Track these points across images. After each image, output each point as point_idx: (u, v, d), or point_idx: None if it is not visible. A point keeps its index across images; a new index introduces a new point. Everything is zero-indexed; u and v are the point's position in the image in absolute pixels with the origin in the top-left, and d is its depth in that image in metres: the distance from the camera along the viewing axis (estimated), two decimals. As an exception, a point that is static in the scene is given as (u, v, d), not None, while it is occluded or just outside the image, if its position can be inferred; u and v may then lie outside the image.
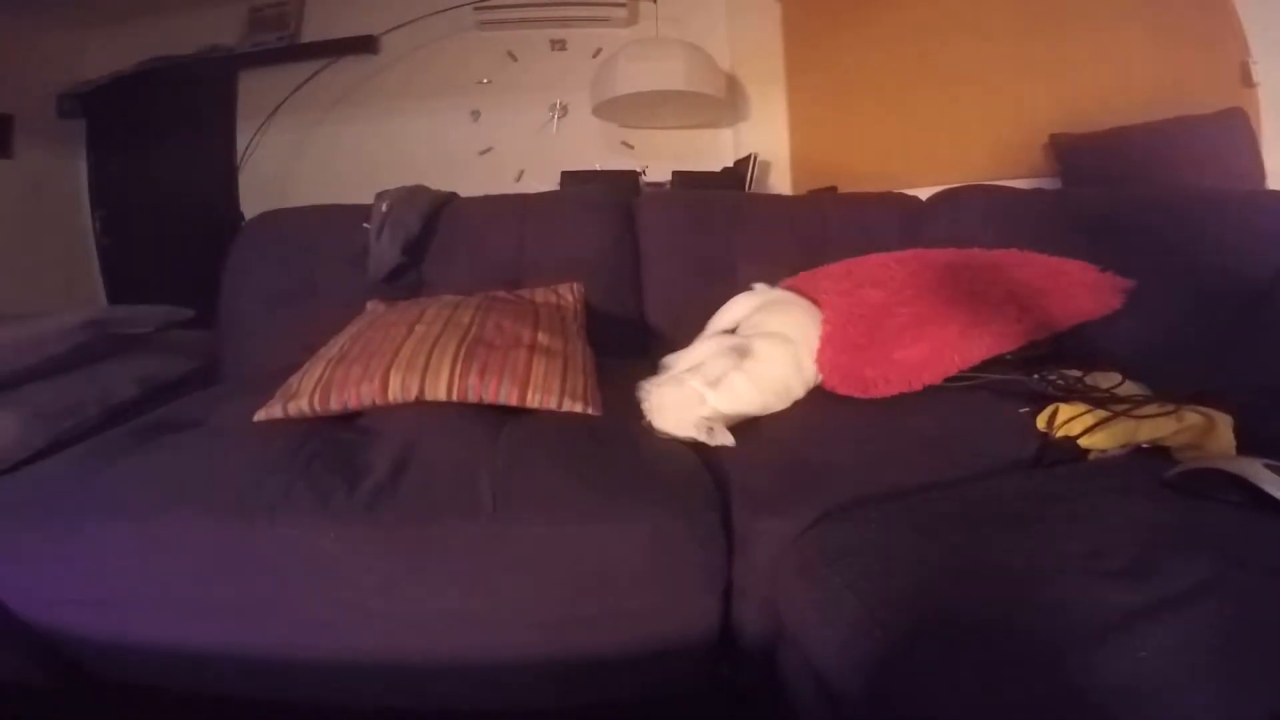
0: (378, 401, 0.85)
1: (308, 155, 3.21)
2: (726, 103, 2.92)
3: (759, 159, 2.72)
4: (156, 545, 0.72)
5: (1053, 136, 1.68)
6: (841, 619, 0.55)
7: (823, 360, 0.97)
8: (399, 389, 0.84)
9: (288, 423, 0.86)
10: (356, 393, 0.85)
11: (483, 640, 0.80)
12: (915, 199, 1.57)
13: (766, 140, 3.07)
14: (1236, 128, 1.31)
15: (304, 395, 0.86)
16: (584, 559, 0.71)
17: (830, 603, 0.57)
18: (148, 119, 3.14)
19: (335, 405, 0.85)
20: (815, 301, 1.09)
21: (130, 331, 1.26)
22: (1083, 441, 0.79)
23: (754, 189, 2.71)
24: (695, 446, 0.87)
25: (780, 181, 3.11)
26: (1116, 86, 1.62)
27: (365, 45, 3.12)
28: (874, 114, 2.54)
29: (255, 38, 3.16)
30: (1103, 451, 0.80)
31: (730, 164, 2.87)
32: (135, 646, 0.82)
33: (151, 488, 0.76)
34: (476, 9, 3.07)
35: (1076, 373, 0.92)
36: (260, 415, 0.87)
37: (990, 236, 1.31)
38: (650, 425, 0.89)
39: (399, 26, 3.06)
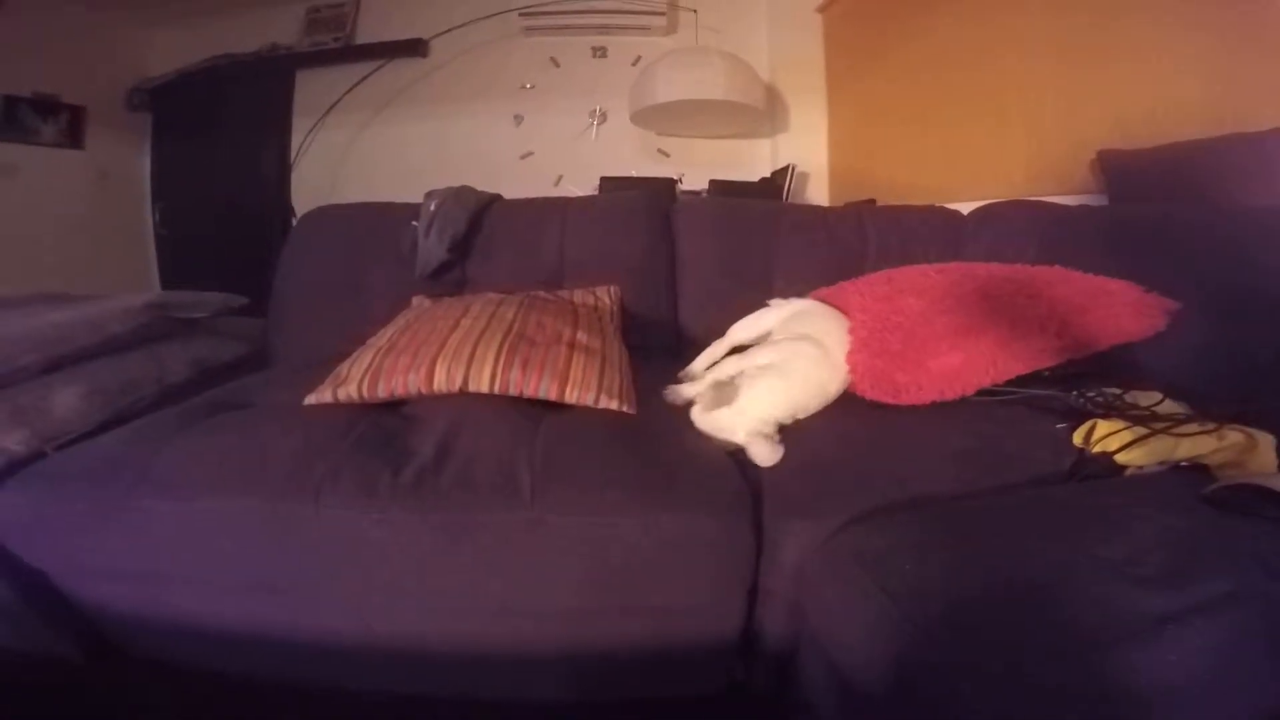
0: (423, 391, 0.88)
1: (357, 154, 3.31)
2: (765, 113, 2.93)
3: (797, 170, 2.72)
4: (202, 523, 0.75)
5: (1100, 153, 1.65)
6: (869, 615, 0.56)
7: (855, 364, 0.97)
8: (444, 379, 0.87)
9: (336, 408, 0.90)
10: (404, 381, 0.88)
11: (505, 629, 0.82)
12: (957, 213, 1.56)
13: (805, 151, 3.07)
14: None
15: (353, 381, 0.89)
16: (614, 552, 0.72)
17: (859, 600, 0.58)
18: (209, 115, 3.29)
19: (383, 392, 0.89)
20: (846, 309, 1.09)
21: (188, 316, 1.31)
22: (1120, 457, 0.79)
23: (791, 200, 2.72)
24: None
25: (818, 193, 3.11)
26: (1167, 102, 1.58)
27: (415, 48, 3.22)
28: (915, 127, 2.52)
29: (312, 38, 3.28)
30: (1140, 468, 0.79)
31: (768, 174, 2.88)
32: (169, 623, 0.85)
33: (201, 466, 0.78)
34: (522, 14, 3.14)
35: (1116, 390, 0.91)
36: (310, 399, 0.90)
37: (1033, 253, 1.30)
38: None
39: (448, 31, 3.14)
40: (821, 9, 3.15)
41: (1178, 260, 1.14)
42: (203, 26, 3.32)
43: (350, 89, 3.12)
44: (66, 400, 0.99)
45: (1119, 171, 1.62)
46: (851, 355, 0.98)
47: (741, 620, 0.79)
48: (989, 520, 0.67)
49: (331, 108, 3.14)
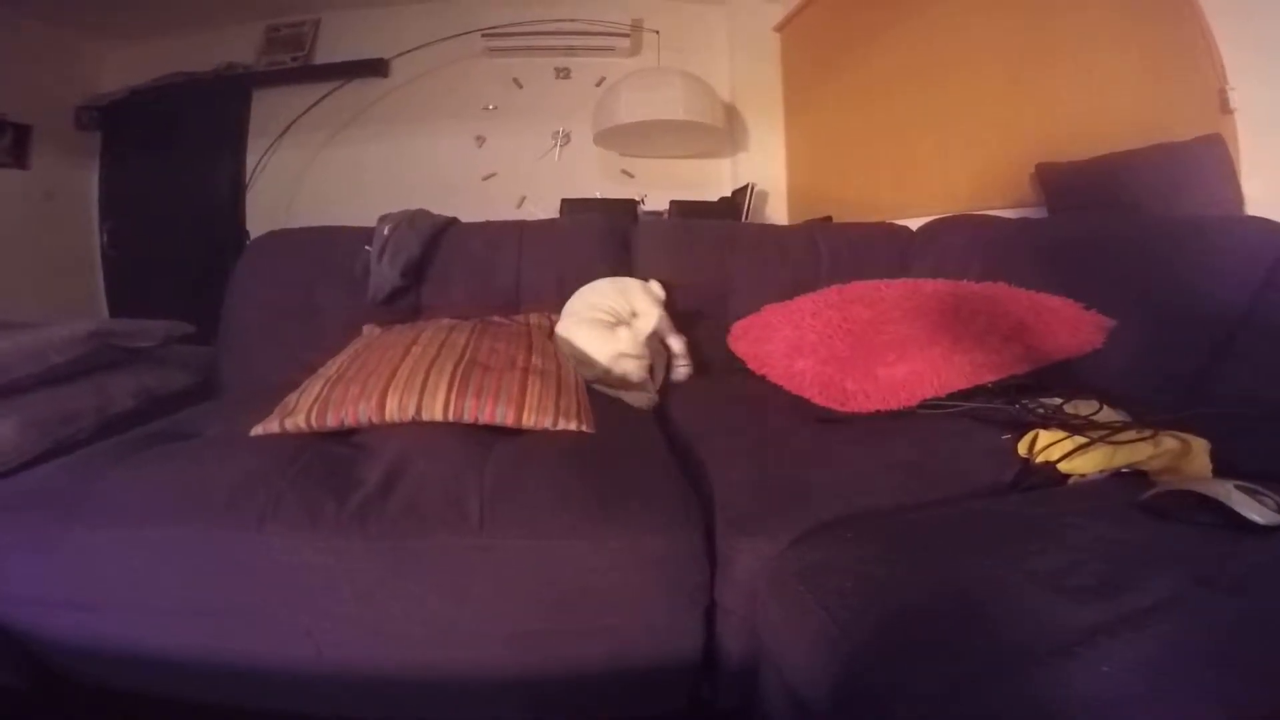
0: (374, 420, 0.87)
1: (315, 175, 3.26)
2: (725, 133, 2.98)
3: (756, 189, 2.78)
4: (144, 551, 0.74)
5: (1038, 166, 1.72)
6: (812, 635, 0.56)
7: (804, 369, 0.99)
8: (396, 409, 0.86)
9: (283, 438, 0.88)
10: (354, 411, 0.87)
11: (461, 655, 0.81)
12: (906, 229, 1.61)
13: (764, 171, 3.13)
14: (1215, 154, 1.33)
15: (301, 412, 0.88)
16: (567, 574, 0.73)
17: (802, 620, 0.58)
18: (162, 134, 3.20)
19: (332, 422, 0.87)
20: (799, 318, 1.12)
21: (132, 345, 1.27)
22: (1062, 466, 0.81)
23: (751, 218, 2.77)
24: (682, 465, 0.89)
25: (777, 211, 3.17)
26: (1099, 115, 1.65)
27: (376, 68, 3.20)
28: (866, 145, 2.59)
29: (270, 57, 3.24)
30: (1082, 476, 0.82)
31: (728, 194, 2.93)
32: (114, 651, 0.83)
33: (142, 494, 0.77)
34: (485, 35, 3.15)
35: (1056, 400, 0.94)
36: (257, 430, 0.89)
37: (978, 266, 1.35)
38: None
39: (409, 51, 3.14)
40: (779, 28, 3.23)
41: (1110, 271, 1.19)
42: (157, 43, 3.25)
43: (308, 109, 3.09)
44: (2, 432, 0.97)
45: (1056, 183, 1.69)
46: (801, 360, 1.00)
47: (701, 639, 0.79)
48: (929, 534, 0.68)
49: (288, 128, 3.10)
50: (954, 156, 2.11)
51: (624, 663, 0.81)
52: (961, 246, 1.43)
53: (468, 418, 0.88)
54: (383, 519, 0.72)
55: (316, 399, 0.89)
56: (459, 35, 3.13)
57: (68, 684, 0.88)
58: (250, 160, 3.20)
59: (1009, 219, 1.52)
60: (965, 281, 1.16)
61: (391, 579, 0.73)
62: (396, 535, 0.71)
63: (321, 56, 3.25)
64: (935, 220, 1.59)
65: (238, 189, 3.19)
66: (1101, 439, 0.82)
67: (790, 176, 3.21)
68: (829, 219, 2.33)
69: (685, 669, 0.81)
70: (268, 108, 3.21)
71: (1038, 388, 1.02)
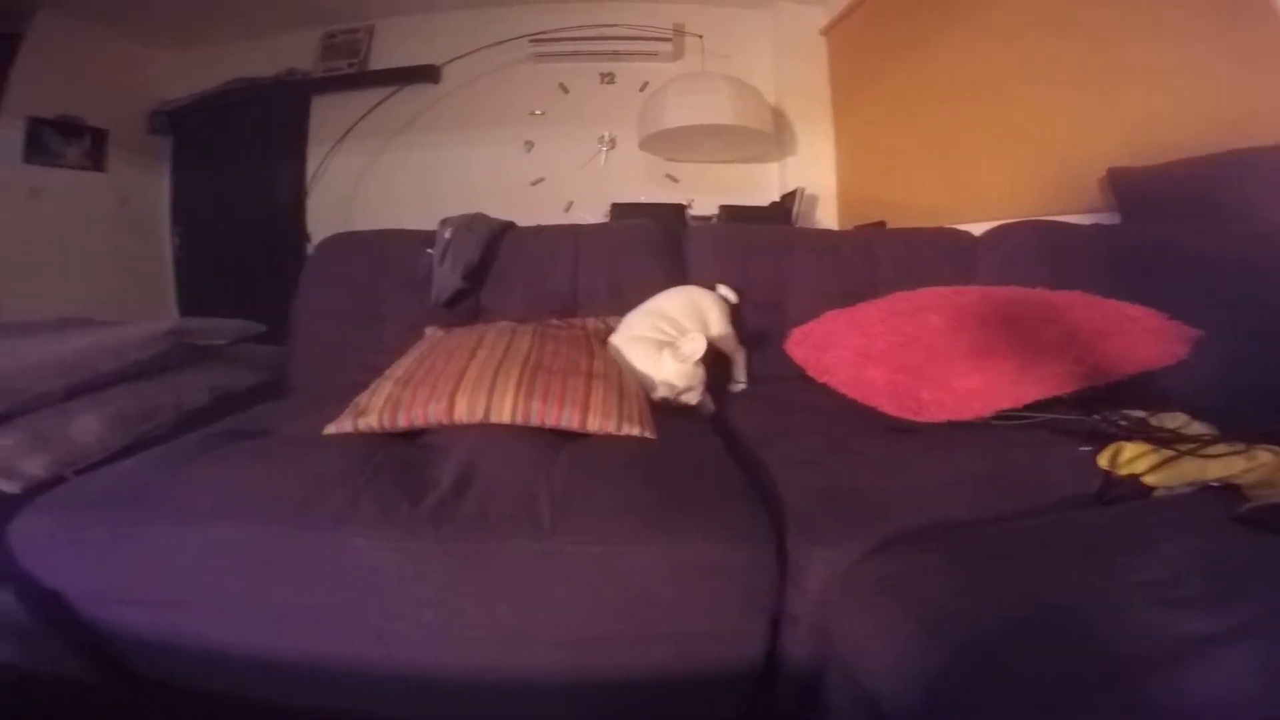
0: (444, 421, 0.89)
1: (370, 180, 3.35)
2: (772, 137, 2.95)
3: (805, 193, 2.74)
4: (221, 549, 0.75)
5: (1110, 170, 1.65)
6: (898, 640, 0.56)
7: (873, 378, 0.97)
8: (465, 410, 0.88)
9: (354, 438, 0.90)
10: (424, 412, 0.88)
11: (526, 659, 0.81)
12: (968, 235, 1.56)
13: (812, 174, 3.09)
14: None
15: (373, 412, 0.90)
16: (635, 580, 0.72)
17: (887, 629, 0.57)
18: (227, 139, 3.35)
19: (403, 423, 0.89)
20: (864, 326, 1.10)
21: (206, 343, 1.33)
22: (1148, 479, 0.78)
23: (800, 223, 2.73)
24: (745, 472, 0.88)
25: (827, 216, 3.12)
26: (1175, 119, 1.58)
27: (428, 74, 3.28)
28: (922, 149, 2.54)
29: (328, 63, 3.34)
30: (1169, 490, 0.79)
31: (776, 198, 2.90)
32: (184, 648, 0.85)
33: (219, 493, 0.79)
34: (532, 41, 3.19)
35: (1141, 413, 0.91)
36: (330, 429, 0.91)
37: (1047, 274, 1.30)
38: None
39: (459, 57, 3.21)
40: (825, 31, 3.19)
41: (1193, 280, 1.14)
42: (221, 51, 3.40)
43: (364, 114, 3.18)
44: (87, 426, 1.01)
45: (1130, 189, 1.62)
46: (871, 369, 0.98)
47: (764, 646, 0.79)
48: (1016, 545, 0.66)
49: (346, 133, 3.19)
50: (1016, 160, 2.05)
51: (685, 670, 0.81)
52: (1029, 253, 1.38)
53: (534, 420, 0.88)
54: (456, 521, 0.73)
55: (388, 400, 0.91)
56: (507, 41, 3.19)
57: (136, 679, 0.90)
58: (310, 165, 3.32)
59: (1079, 225, 1.47)
60: (1041, 289, 1.11)
61: (463, 581, 0.73)
62: (470, 538, 0.72)
63: (376, 63, 3.35)
64: (1000, 226, 1.54)
65: (299, 193, 3.31)
66: (1191, 452, 0.79)
67: (840, 180, 3.16)
68: (882, 224, 2.29)
69: (746, 676, 0.81)
70: (326, 113, 3.32)
71: (1114, 399, 0.99)
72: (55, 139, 2.94)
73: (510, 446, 0.85)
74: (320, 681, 0.86)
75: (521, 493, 0.77)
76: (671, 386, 1.08)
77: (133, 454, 0.95)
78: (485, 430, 0.88)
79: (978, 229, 1.60)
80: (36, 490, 0.85)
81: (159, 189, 3.41)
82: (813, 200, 3.06)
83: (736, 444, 1.01)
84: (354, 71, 3.31)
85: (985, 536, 0.69)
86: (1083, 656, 0.48)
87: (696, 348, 1.06)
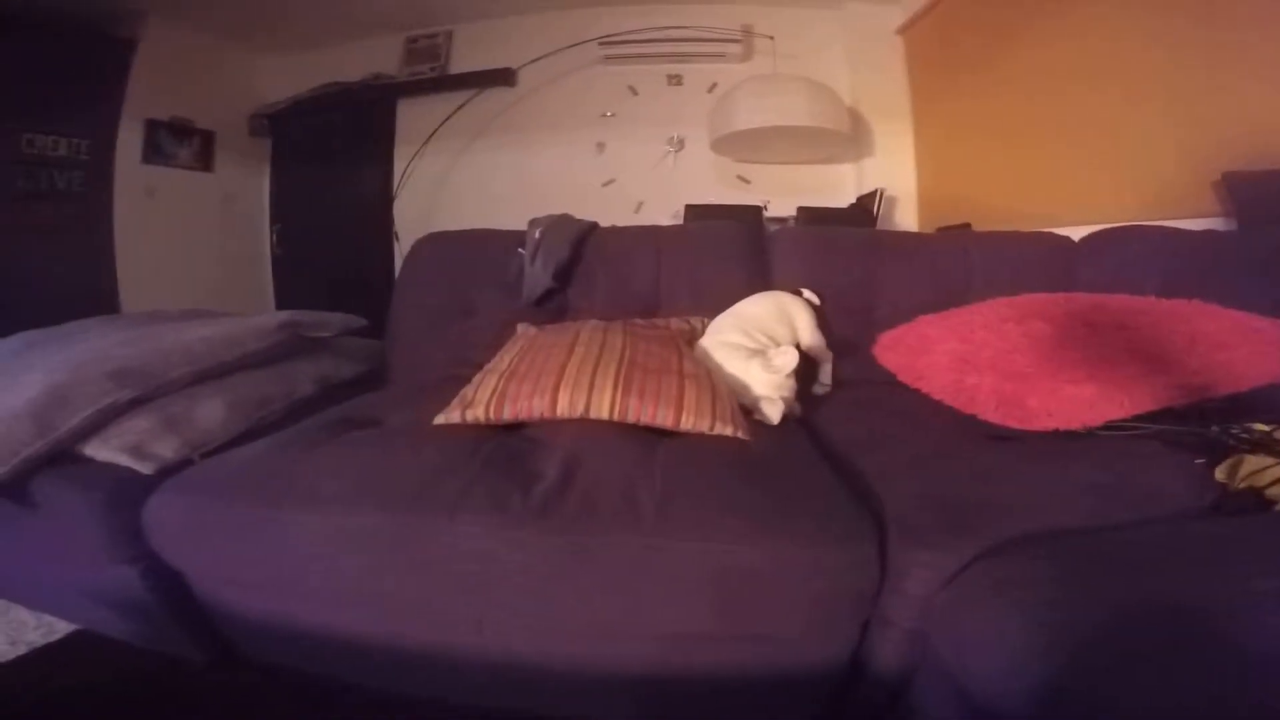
0: (546, 415, 0.92)
1: (453, 180, 3.47)
2: (849, 138, 2.90)
3: (885, 194, 2.68)
4: (340, 534, 0.78)
5: (1226, 175, 1.55)
6: (1011, 644, 0.55)
7: (978, 385, 0.94)
8: (567, 405, 0.91)
9: (462, 428, 0.94)
10: (529, 405, 0.92)
11: (614, 650, 0.83)
12: (1067, 239, 1.50)
13: (891, 175, 3.02)
14: None
15: (480, 404, 0.94)
16: (734, 580, 0.73)
17: (1000, 629, 0.57)
18: (320, 141, 3.52)
19: (509, 415, 0.93)
20: (966, 332, 1.07)
21: (315, 335, 1.40)
22: (1271, 493, 0.75)
23: (880, 225, 2.67)
24: (842, 477, 0.88)
25: (906, 218, 3.04)
26: None
27: (505, 78, 3.38)
28: (1010, 148, 2.44)
29: (411, 68, 3.48)
30: None
31: (853, 199, 2.84)
32: (292, 632, 0.89)
33: (339, 481, 0.81)
34: (601, 44, 3.24)
35: (1263, 426, 0.86)
36: (440, 419, 0.96)
37: (1156, 280, 1.23)
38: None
39: (533, 60, 3.27)
40: (902, 30, 3.11)
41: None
42: (313, 55, 3.58)
43: (447, 118, 3.29)
44: (211, 411, 1.07)
45: (1247, 194, 1.52)
46: (973, 375, 0.95)
47: (851, 649, 0.78)
48: (1134, 552, 0.64)
49: (432, 135, 3.32)
50: (1115, 161, 1.94)
51: (770, 669, 0.81)
52: (1137, 260, 1.31)
53: (631, 417, 0.91)
54: (562, 513, 0.75)
55: (494, 392, 0.95)
56: (578, 44, 3.24)
57: (243, 661, 0.95)
58: (398, 167, 3.46)
59: (1191, 231, 1.38)
60: (1155, 298, 1.06)
61: (564, 573, 0.75)
62: (575, 530, 0.74)
63: (455, 67, 3.47)
64: (1103, 230, 1.46)
65: (387, 193, 3.45)
66: None
67: (920, 181, 3.07)
68: (967, 225, 2.21)
69: (829, 679, 0.80)
70: (411, 117, 3.46)
71: (1230, 411, 0.93)
72: (169, 140, 3.17)
73: (611, 442, 0.88)
74: (418, 668, 0.89)
75: (625, 487, 0.79)
76: (760, 396, 1.07)
77: (250, 439, 0.99)
78: (585, 425, 0.91)
79: (1075, 233, 1.53)
80: (166, 472, 0.90)
81: (260, 189, 3.63)
82: (891, 201, 2.98)
83: (829, 449, 1.00)
84: (435, 75, 3.43)
85: (1100, 543, 0.67)
86: (1207, 660, 0.47)
87: (788, 360, 1.05)
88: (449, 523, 0.76)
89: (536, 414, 0.92)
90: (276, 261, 3.62)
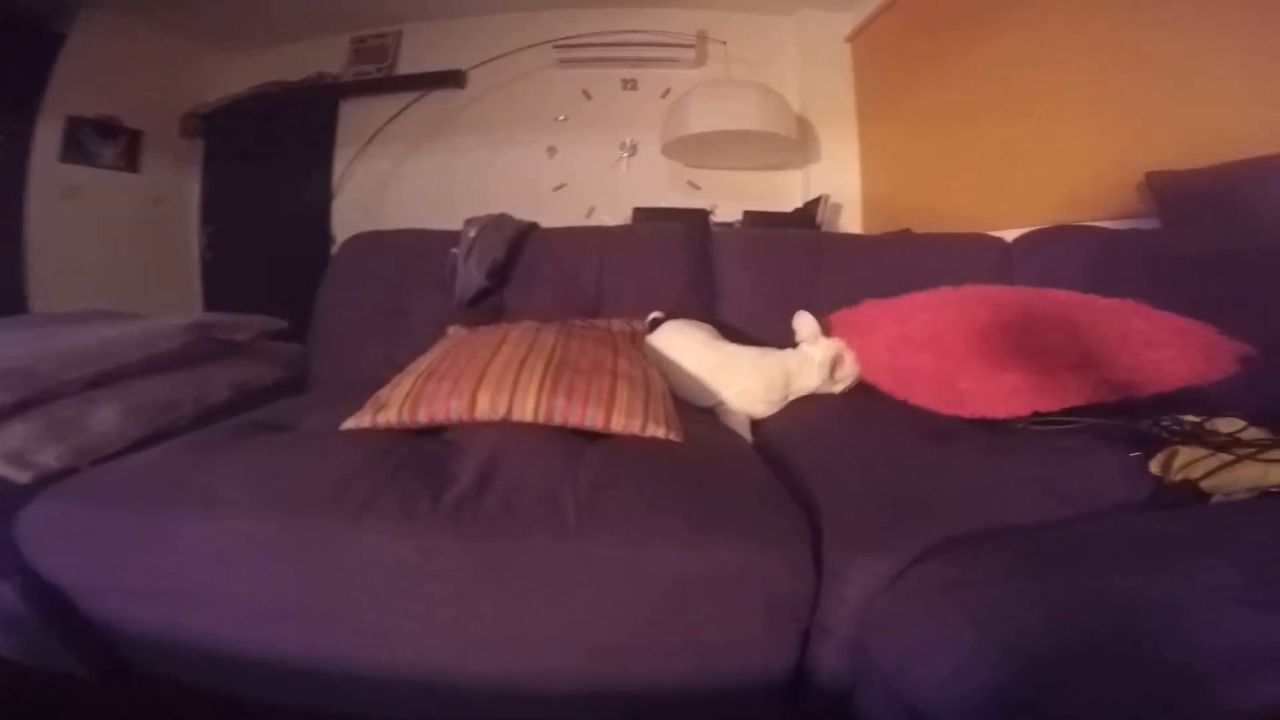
0: (464, 418, 0.87)
1: (396, 184, 3.38)
2: (797, 143, 2.93)
3: (829, 200, 2.71)
4: (235, 542, 0.73)
5: (1148, 174, 1.60)
6: (956, 649, 0.53)
7: (914, 368, 0.93)
8: (487, 407, 0.86)
9: (375, 433, 0.88)
10: (445, 407, 0.87)
11: (541, 663, 0.79)
12: (1001, 240, 1.53)
13: (836, 182, 3.06)
14: None
15: (393, 407, 0.88)
16: (664, 585, 0.69)
17: (943, 634, 0.54)
18: (258, 141, 3.38)
19: (424, 418, 0.87)
20: (905, 315, 1.07)
21: (229, 338, 1.33)
22: (1207, 484, 0.75)
23: (825, 230, 2.70)
24: (782, 474, 0.85)
25: (851, 223, 3.09)
26: (1212, 121, 1.53)
27: (454, 79, 3.30)
28: (949, 155, 2.50)
29: (357, 67, 3.38)
30: (1226, 496, 0.76)
31: (800, 205, 2.87)
32: (189, 644, 0.83)
33: (237, 486, 0.77)
34: (556, 46, 3.20)
35: (1193, 417, 0.87)
36: (349, 424, 0.89)
37: (1087, 280, 1.25)
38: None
39: (485, 62, 3.22)
40: (850, 38, 3.17)
41: (1241, 286, 1.09)
42: (254, 55, 3.44)
43: (392, 118, 3.20)
44: (106, 416, 1.00)
45: (1170, 193, 1.57)
46: (910, 356, 0.94)
47: (793, 659, 0.75)
48: (1081, 548, 0.63)
49: (373, 137, 3.22)
50: (1047, 165, 2.00)
51: (710, 680, 0.77)
52: (1067, 259, 1.34)
53: (558, 419, 0.86)
54: (477, 518, 0.71)
55: (408, 395, 0.89)
56: (532, 46, 3.20)
57: (138, 676, 0.88)
58: (338, 168, 3.35)
59: (1117, 230, 1.42)
60: (1093, 295, 1.08)
61: (482, 581, 0.71)
62: (491, 536, 0.70)
63: (404, 68, 3.38)
64: (1034, 231, 1.50)
65: (326, 197, 3.34)
66: (1251, 456, 0.76)
67: (865, 187, 3.12)
68: (908, 231, 2.24)
69: (772, 689, 0.77)
70: (354, 117, 3.35)
71: (1161, 404, 0.94)
72: (92, 139, 3.00)
73: (533, 444, 0.83)
74: (327, 682, 0.83)
75: (546, 490, 0.75)
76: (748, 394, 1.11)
77: (151, 446, 0.93)
78: (507, 428, 0.86)
79: (1010, 235, 1.56)
80: (48, 480, 0.84)
81: (190, 191, 3.47)
82: (836, 208, 3.02)
83: (766, 446, 0.98)
84: (382, 76, 3.34)
85: (1044, 541, 0.66)
86: (1165, 663, 0.46)
87: (810, 382, 1.12)
88: (354, 530, 0.71)
89: (454, 417, 0.87)
90: (207, 266, 3.46)
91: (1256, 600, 0.49)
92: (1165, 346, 0.96)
